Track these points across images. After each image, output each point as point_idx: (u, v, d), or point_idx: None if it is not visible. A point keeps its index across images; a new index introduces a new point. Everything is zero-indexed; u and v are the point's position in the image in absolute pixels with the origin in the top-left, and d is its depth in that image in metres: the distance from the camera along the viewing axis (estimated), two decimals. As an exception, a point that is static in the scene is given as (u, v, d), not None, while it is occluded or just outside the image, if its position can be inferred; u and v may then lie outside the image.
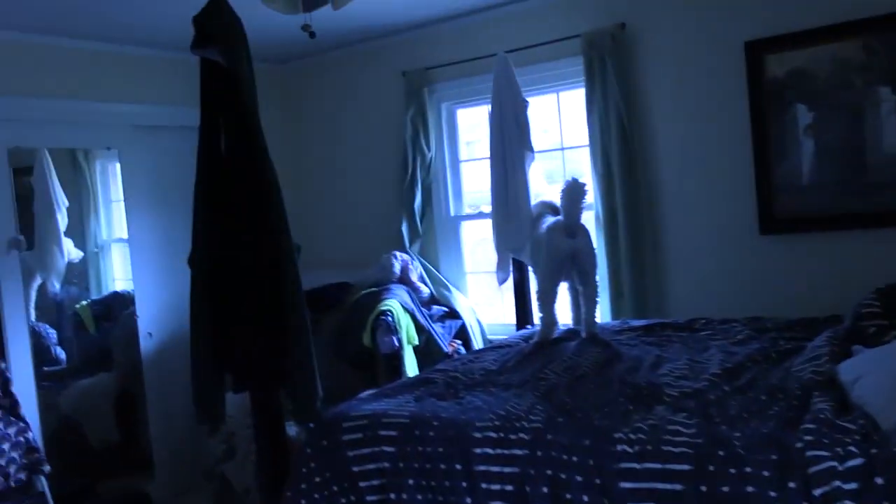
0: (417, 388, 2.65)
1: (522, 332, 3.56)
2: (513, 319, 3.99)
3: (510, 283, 3.84)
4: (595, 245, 3.39)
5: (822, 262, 3.49)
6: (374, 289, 4.13)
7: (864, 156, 3.33)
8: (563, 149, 4.19)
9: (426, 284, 4.34)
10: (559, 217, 2.92)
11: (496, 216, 3.63)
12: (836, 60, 3.34)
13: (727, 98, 3.62)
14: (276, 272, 2.23)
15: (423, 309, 4.12)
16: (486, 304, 4.47)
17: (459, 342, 4.16)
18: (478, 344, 4.23)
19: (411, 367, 3.89)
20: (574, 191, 2.94)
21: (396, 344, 3.84)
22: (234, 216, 2.27)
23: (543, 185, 3.66)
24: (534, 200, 3.46)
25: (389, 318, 3.87)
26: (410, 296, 4.12)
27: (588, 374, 2.55)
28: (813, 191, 3.43)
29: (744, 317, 3.26)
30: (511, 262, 3.74)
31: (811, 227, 3.47)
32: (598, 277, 3.13)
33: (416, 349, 3.95)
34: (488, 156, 3.66)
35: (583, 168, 4.06)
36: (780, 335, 2.83)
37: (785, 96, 3.45)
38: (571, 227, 2.95)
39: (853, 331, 2.48)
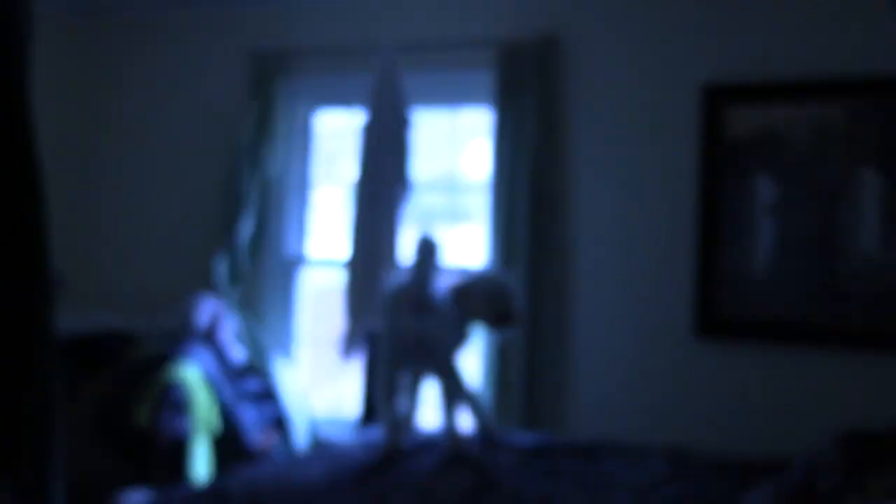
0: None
1: (367, 432, 3.55)
2: (357, 410, 4.06)
3: (359, 360, 3.92)
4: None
5: (771, 382, 3.59)
6: (165, 346, 4.12)
7: (837, 253, 3.47)
8: (452, 186, 4.31)
9: (241, 348, 4.32)
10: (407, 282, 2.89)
11: (352, 266, 3.73)
12: (814, 126, 3.50)
13: (673, 153, 3.75)
14: (17, 310, 2.04)
15: (231, 382, 4.13)
16: (323, 386, 4.54)
17: (277, 435, 4.18)
18: (300, 442, 4.24)
19: (202, 464, 3.86)
20: (426, 250, 2.92)
21: (184, 429, 3.83)
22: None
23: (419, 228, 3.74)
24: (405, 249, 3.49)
25: (180, 391, 3.87)
26: (216, 361, 4.13)
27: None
28: (767, 289, 3.56)
29: (663, 444, 3.30)
30: (365, 332, 3.82)
31: (761, 336, 3.58)
32: (462, 369, 3.09)
33: (214, 438, 3.95)
34: (352, 183, 3.79)
35: (476, 213, 4.20)
36: (709, 478, 2.92)
37: (746, 163, 3.60)
38: (421, 300, 2.93)
39: (803, 486, 2.50)
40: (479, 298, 2.90)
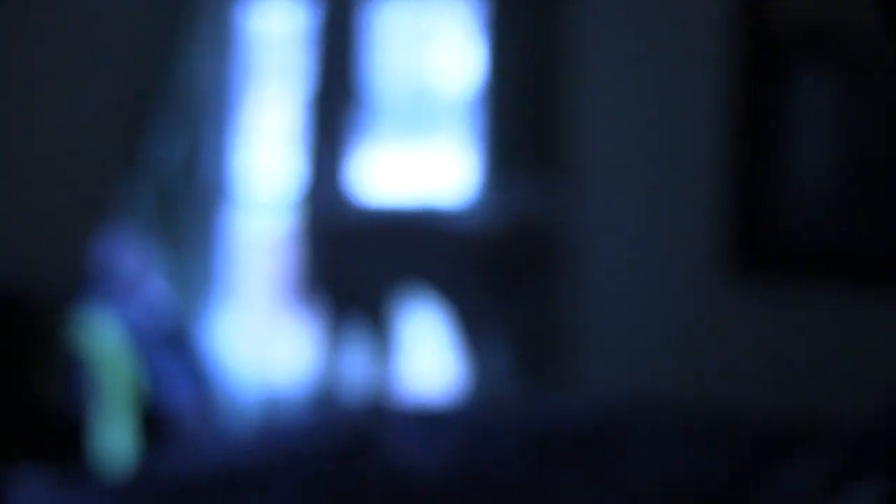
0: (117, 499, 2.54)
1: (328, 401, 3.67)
2: (315, 375, 4.11)
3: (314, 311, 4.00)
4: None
5: (825, 327, 3.57)
6: (68, 298, 4.00)
7: None
8: (424, 96, 4.32)
9: (167, 301, 4.22)
10: None
11: (303, 198, 3.92)
12: (880, 15, 3.38)
13: (704, 49, 3.72)
14: None
15: (156, 344, 4.05)
16: (272, 346, 4.46)
17: (214, 409, 4.08)
18: (245, 417, 4.18)
19: (118, 443, 3.74)
20: None
21: (91, 402, 3.73)
22: None
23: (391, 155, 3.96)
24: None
25: (87, 356, 3.77)
26: (134, 316, 4.00)
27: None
28: (821, 215, 3.60)
29: (693, 406, 3.35)
30: (321, 277, 3.95)
31: (811, 271, 3.58)
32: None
33: (135, 414, 3.84)
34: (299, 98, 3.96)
35: (455, 128, 4.15)
36: (755, 448, 2.88)
37: (795, 61, 3.59)
38: None
39: (859, 460, 2.54)
40: None
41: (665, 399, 3.55)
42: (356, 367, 3.95)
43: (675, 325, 3.80)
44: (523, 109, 3.87)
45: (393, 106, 4.28)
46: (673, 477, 2.85)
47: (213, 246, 4.45)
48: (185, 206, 4.45)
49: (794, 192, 3.61)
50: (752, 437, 3.01)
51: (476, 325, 3.33)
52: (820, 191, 3.60)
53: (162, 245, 4.38)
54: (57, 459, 3.69)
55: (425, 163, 4.23)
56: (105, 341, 3.89)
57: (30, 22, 4.72)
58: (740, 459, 2.85)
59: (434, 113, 4.39)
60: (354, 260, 3.98)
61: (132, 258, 4.17)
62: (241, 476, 2.70)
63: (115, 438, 3.78)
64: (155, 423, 3.89)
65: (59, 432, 3.82)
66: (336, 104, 4.00)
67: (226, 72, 4.42)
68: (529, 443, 3.09)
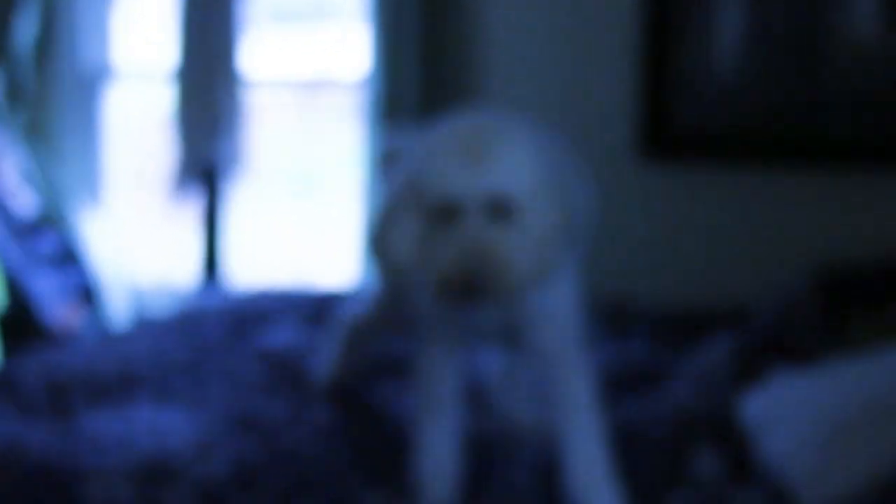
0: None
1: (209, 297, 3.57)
2: (195, 270, 4.06)
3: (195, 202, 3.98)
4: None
5: (737, 209, 3.60)
6: None
7: (821, 47, 3.46)
8: None
9: (29, 193, 4.12)
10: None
11: (181, 78, 3.76)
12: None
13: None
14: None
15: (17, 240, 3.96)
16: (146, 241, 4.43)
17: (84, 308, 4.04)
18: (117, 316, 4.11)
19: None
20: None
21: None
22: None
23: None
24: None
25: None
26: None
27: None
28: (735, 96, 3.57)
29: (597, 295, 3.33)
30: (201, 165, 3.89)
31: (727, 154, 3.58)
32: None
33: None
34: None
35: (350, 9, 4.09)
36: (653, 336, 3.00)
37: None
38: None
39: (773, 339, 2.62)
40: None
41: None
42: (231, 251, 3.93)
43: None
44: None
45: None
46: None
47: (93, 125, 4.32)
48: (58, 85, 4.27)
49: (705, 69, 3.57)
50: (664, 324, 3.09)
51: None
52: (732, 67, 3.57)
53: (19, 132, 4.20)
54: None
55: (317, 41, 4.14)
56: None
57: None
58: (656, 345, 2.91)
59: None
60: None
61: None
62: (111, 376, 2.65)
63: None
64: (17, 317, 3.82)
65: None
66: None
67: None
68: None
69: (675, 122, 3.62)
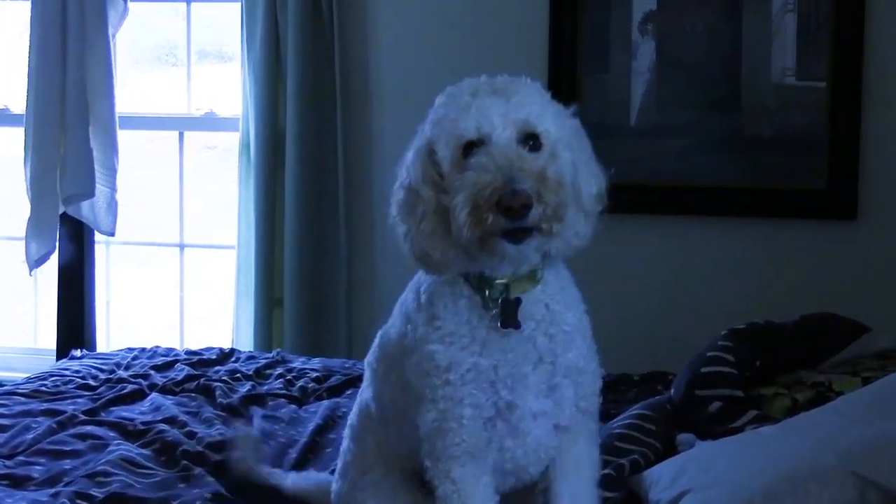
0: None
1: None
2: (52, 340, 3.93)
3: (53, 263, 3.83)
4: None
5: (657, 262, 3.58)
6: None
7: (740, 83, 3.46)
8: (188, 0, 4.05)
9: None
10: None
11: (36, 128, 3.67)
12: None
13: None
14: None
15: None
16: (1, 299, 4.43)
17: None
18: None
19: None
20: None
21: None
22: None
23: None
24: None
25: None
26: None
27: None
28: (648, 138, 3.55)
29: None
30: (57, 223, 3.77)
31: (641, 206, 3.51)
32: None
33: None
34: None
35: (230, 48, 4.04)
36: None
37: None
38: None
39: (685, 404, 2.60)
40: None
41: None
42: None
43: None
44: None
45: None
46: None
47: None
48: None
49: (613, 115, 3.54)
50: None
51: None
52: (639, 111, 3.54)
53: None
54: None
55: (195, 81, 3.91)
56: None
57: None
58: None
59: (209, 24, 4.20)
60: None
61: None
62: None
63: None
64: None
65: None
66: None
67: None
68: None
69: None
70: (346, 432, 2.10)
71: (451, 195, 1.67)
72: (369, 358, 2.02)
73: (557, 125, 1.76)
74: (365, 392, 2.04)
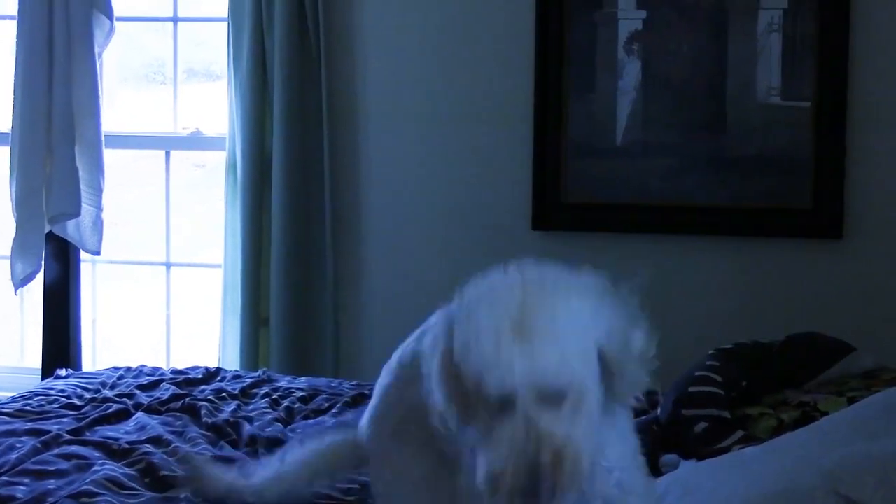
0: None
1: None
2: (37, 359, 3.89)
3: (38, 282, 3.79)
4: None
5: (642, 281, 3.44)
6: None
7: (725, 102, 3.46)
8: (175, 20, 4.01)
9: None
10: None
11: (22, 147, 3.63)
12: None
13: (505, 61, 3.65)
14: None
15: None
16: None
17: None
18: None
19: None
20: None
21: None
22: None
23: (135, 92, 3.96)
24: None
25: None
26: None
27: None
28: (634, 157, 3.53)
29: None
30: (43, 243, 3.73)
31: (627, 225, 3.54)
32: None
33: None
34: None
35: (217, 67, 3.98)
36: None
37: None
38: None
39: (671, 423, 2.59)
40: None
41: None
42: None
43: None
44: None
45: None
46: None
47: None
48: None
49: (598, 135, 3.53)
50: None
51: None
52: (625, 130, 3.52)
53: None
54: None
55: (182, 100, 3.89)
56: None
57: None
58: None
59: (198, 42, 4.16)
60: None
61: None
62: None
63: None
64: None
65: None
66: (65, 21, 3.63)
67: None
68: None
69: (565, 188, 3.56)
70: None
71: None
72: None
73: (584, 361, 1.63)
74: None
